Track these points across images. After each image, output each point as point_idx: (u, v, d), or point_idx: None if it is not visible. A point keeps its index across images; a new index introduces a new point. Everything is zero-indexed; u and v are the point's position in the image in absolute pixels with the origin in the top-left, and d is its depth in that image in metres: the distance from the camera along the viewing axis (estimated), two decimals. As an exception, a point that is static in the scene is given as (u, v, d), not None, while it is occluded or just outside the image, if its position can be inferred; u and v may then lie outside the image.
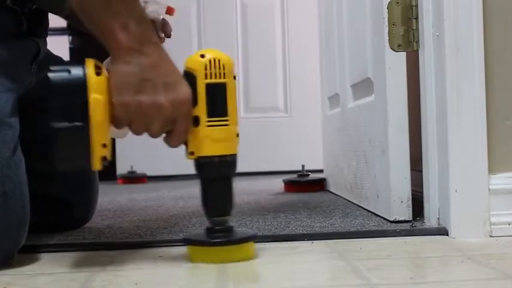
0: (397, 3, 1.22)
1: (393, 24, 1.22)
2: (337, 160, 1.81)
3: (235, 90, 0.96)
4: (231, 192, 0.97)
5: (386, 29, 1.23)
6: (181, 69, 0.96)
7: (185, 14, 2.91)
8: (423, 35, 1.18)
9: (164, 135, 0.96)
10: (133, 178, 2.84)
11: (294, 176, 2.06)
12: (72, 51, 3.12)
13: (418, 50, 1.21)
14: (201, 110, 0.93)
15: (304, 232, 1.17)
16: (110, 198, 2.00)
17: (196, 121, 0.94)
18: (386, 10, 1.22)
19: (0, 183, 0.95)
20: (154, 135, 0.95)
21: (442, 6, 1.12)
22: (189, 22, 2.96)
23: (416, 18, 1.20)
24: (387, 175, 1.26)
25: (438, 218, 1.16)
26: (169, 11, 1.28)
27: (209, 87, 0.93)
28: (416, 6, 1.20)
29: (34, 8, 1.17)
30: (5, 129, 0.99)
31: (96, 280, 0.88)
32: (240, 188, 2.32)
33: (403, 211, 1.24)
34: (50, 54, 1.28)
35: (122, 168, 2.95)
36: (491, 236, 1.10)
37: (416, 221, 1.22)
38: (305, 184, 2.01)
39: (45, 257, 1.06)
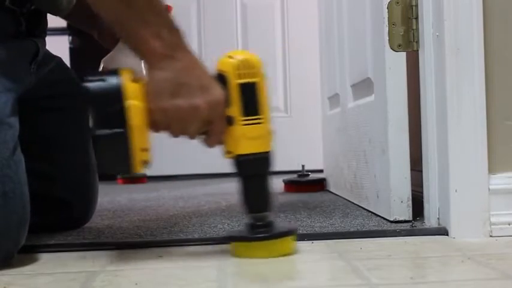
0: (397, 3, 1.22)
1: (393, 24, 1.22)
2: (337, 160, 1.81)
3: (266, 88, 0.99)
4: (268, 188, 1.00)
5: (386, 29, 1.23)
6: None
7: (185, 14, 2.91)
8: (423, 35, 1.18)
9: (201, 136, 0.99)
10: (133, 178, 2.84)
11: (294, 176, 2.06)
12: (72, 51, 3.12)
13: (418, 50, 1.21)
14: (235, 109, 0.96)
15: (304, 232, 1.16)
16: (110, 198, 2.00)
17: (230, 121, 0.96)
18: (386, 10, 1.22)
19: (0, 183, 0.95)
20: (191, 137, 0.98)
21: (442, 6, 1.12)
22: (189, 22, 2.96)
23: (416, 18, 1.20)
24: (387, 175, 1.26)
25: (438, 218, 1.16)
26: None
27: (241, 87, 0.96)
28: (416, 6, 1.20)
29: (33, 8, 1.17)
30: (4, 129, 0.99)
31: (96, 280, 0.88)
32: (240, 188, 2.32)
33: (403, 211, 1.24)
34: (49, 54, 1.28)
35: (122, 168, 2.94)
36: (491, 236, 1.10)
37: (416, 221, 1.22)
38: (305, 184, 2.01)
39: (45, 257, 1.06)
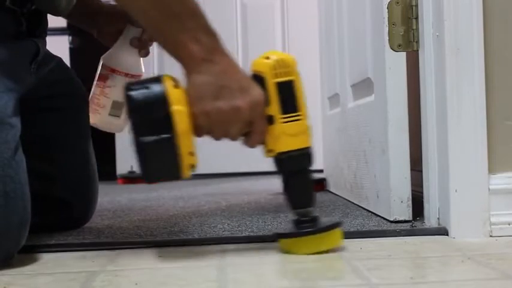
0: (397, 3, 1.22)
1: (393, 24, 1.22)
2: (337, 160, 1.81)
3: (302, 85, 1.00)
4: (311, 183, 1.02)
5: (386, 29, 1.23)
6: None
7: (185, 14, 2.91)
8: (423, 35, 1.18)
9: (241, 138, 1.00)
10: (133, 178, 2.84)
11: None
12: (72, 51, 3.12)
13: (418, 50, 1.21)
14: (274, 108, 0.98)
15: (304, 232, 1.16)
16: (110, 198, 2.00)
17: (270, 120, 0.98)
18: (386, 10, 1.22)
19: (2, 183, 0.95)
20: (233, 139, 0.99)
21: (442, 6, 1.12)
22: (189, 22, 2.96)
23: (416, 18, 1.20)
24: (387, 175, 1.26)
25: (438, 218, 1.16)
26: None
27: (279, 86, 0.98)
28: (416, 6, 1.20)
29: (33, 8, 1.17)
30: (6, 129, 0.99)
31: (96, 280, 0.88)
32: (240, 188, 2.32)
33: (403, 211, 1.24)
34: (49, 54, 1.28)
35: (122, 168, 2.95)
36: (491, 236, 1.10)
37: (416, 221, 1.22)
38: (305, 184, 2.00)
39: (45, 257, 1.06)
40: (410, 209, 1.24)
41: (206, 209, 1.60)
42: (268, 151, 1.00)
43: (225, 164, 2.88)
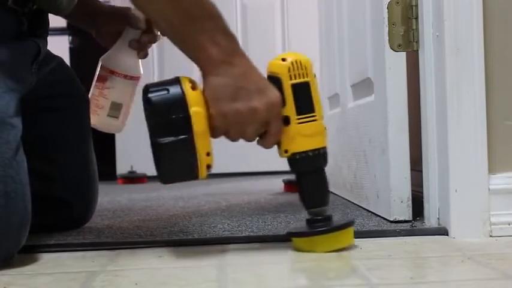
0: (397, 3, 1.22)
1: (393, 24, 1.22)
2: (336, 160, 1.81)
3: (317, 86, 1.02)
4: (325, 183, 1.03)
5: (386, 29, 1.23)
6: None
7: (185, 14, 2.91)
8: (423, 35, 1.18)
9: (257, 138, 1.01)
10: (133, 178, 2.84)
11: (294, 176, 2.05)
12: (72, 51, 3.12)
13: (418, 50, 1.21)
14: (289, 109, 0.99)
15: (304, 232, 1.16)
16: (110, 198, 2.00)
17: (286, 121, 0.99)
18: (386, 10, 1.22)
19: (3, 183, 0.95)
20: (249, 140, 1.00)
21: (442, 6, 1.12)
22: (189, 22, 2.96)
23: (416, 18, 1.20)
24: (387, 175, 1.26)
25: (438, 218, 1.16)
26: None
27: (295, 87, 0.99)
28: (416, 6, 1.20)
29: (35, 8, 1.17)
30: (7, 129, 0.99)
31: (96, 280, 0.88)
32: (240, 188, 2.32)
33: (403, 211, 1.24)
34: (50, 54, 1.28)
35: (122, 168, 2.95)
36: (491, 236, 1.10)
37: (416, 221, 1.22)
38: (305, 184, 2.00)
39: (45, 257, 1.06)
40: (410, 209, 1.24)
41: (206, 209, 1.60)
42: (284, 151, 1.01)
43: (225, 164, 2.88)
